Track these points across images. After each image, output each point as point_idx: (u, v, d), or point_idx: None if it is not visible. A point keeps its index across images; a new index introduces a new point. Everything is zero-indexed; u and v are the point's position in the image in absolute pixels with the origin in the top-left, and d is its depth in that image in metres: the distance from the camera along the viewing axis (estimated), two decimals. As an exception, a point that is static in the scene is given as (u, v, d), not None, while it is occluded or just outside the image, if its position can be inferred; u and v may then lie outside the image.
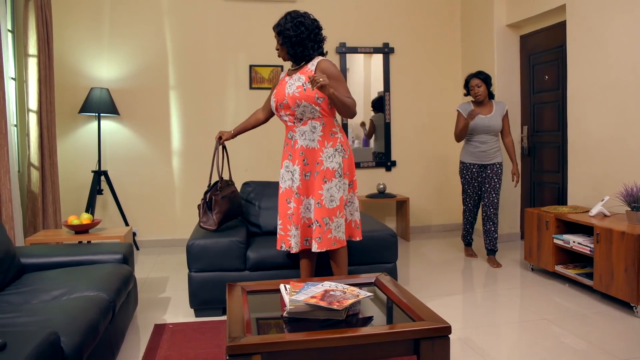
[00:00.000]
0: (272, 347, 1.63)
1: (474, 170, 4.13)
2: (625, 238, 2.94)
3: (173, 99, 5.00)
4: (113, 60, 4.87)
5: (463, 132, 4.02)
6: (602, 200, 3.47)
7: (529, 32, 4.79)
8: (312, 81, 2.41)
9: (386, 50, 5.35)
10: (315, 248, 2.62)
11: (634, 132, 3.44)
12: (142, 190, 4.96)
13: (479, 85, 4.00)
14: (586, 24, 3.83)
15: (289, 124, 2.71)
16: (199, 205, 3.19)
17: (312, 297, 1.91)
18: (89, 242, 3.71)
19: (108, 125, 4.86)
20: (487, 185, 4.09)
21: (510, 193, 4.95)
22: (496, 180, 4.07)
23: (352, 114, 2.63)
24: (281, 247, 2.74)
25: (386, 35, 5.37)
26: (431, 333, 1.73)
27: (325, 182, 2.63)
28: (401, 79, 5.43)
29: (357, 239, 2.81)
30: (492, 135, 4.06)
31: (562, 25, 4.25)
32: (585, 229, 3.56)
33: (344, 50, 5.26)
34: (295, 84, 2.61)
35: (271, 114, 2.96)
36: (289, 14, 2.66)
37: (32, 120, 3.96)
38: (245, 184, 3.67)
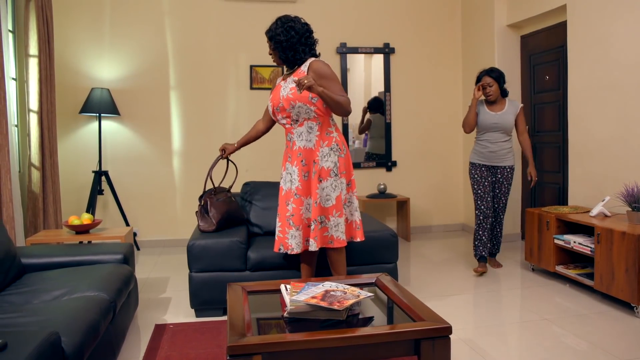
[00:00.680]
0: (272, 347, 1.63)
1: (483, 169, 3.88)
2: (626, 238, 2.94)
3: (173, 99, 5.00)
4: (114, 61, 4.87)
5: (470, 117, 3.78)
6: (602, 201, 3.47)
7: (529, 32, 4.79)
8: (298, 85, 2.44)
9: (387, 51, 5.35)
10: (312, 247, 2.63)
11: (635, 132, 3.44)
12: (143, 191, 4.97)
13: (490, 84, 3.76)
14: (587, 24, 3.83)
15: (287, 126, 2.73)
16: (196, 212, 3.22)
17: (313, 297, 1.91)
18: (89, 242, 3.71)
19: (109, 125, 4.87)
20: (497, 191, 3.90)
21: (510, 193, 4.94)
22: (506, 185, 3.88)
23: (345, 111, 2.63)
24: (279, 249, 2.74)
25: (387, 36, 5.37)
26: (432, 333, 1.73)
27: (321, 181, 2.64)
28: (402, 79, 5.43)
29: (359, 239, 2.80)
30: (503, 134, 3.80)
31: (562, 26, 4.25)
32: (585, 229, 3.56)
33: (344, 51, 5.26)
34: (289, 87, 2.64)
35: (271, 124, 2.99)
36: (279, 19, 2.69)
37: (33, 120, 3.97)
38: (246, 184, 3.67)
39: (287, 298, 2.01)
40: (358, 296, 1.93)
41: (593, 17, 3.76)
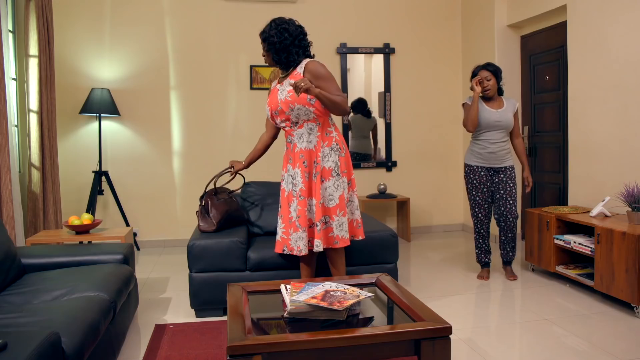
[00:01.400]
0: (272, 347, 1.63)
1: (482, 173, 3.62)
2: (626, 238, 2.94)
3: (174, 99, 5.00)
4: (114, 61, 4.87)
5: (473, 114, 3.49)
6: (602, 201, 3.47)
7: (529, 33, 4.79)
8: (295, 88, 2.44)
9: (387, 51, 5.35)
10: (319, 248, 2.63)
11: (635, 133, 3.44)
12: (143, 191, 4.97)
13: (488, 78, 3.52)
14: (587, 24, 3.83)
15: (287, 129, 2.73)
16: (197, 212, 3.22)
17: (313, 297, 1.91)
18: (89, 242, 3.71)
19: (109, 125, 4.87)
20: (502, 192, 3.59)
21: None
22: (512, 184, 3.58)
23: (343, 111, 2.63)
24: (283, 250, 2.74)
25: (387, 36, 5.37)
26: (432, 333, 1.73)
27: (323, 181, 2.64)
28: (402, 79, 5.43)
29: (360, 237, 2.82)
30: (503, 134, 3.57)
31: (562, 26, 4.25)
32: (586, 230, 3.56)
33: (344, 51, 5.26)
34: (286, 89, 2.63)
35: (275, 131, 2.98)
36: (273, 20, 2.69)
37: (33, 120, 3.97)
38: (247, 185, 3.66)
39: (287, 298, 2.01)
40: (358, 296, 1.93)
41: (593, 18, 3.76)
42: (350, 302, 1.87)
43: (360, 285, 2.27)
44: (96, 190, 4.57)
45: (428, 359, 1.73)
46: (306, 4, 5.11)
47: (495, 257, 4.27)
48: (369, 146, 5.44)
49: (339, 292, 1.97)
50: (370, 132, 5.43)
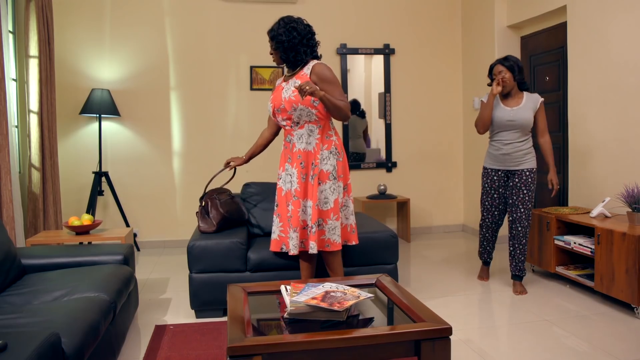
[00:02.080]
0: (272, 348, 1.63)
1: (495, 177, 3.41)
2: (626, 239, 2.94)
3: (174, 99, 5.01)
4: (114, 61, 4.87)
5: (485, 115, 3.30)
6: (602, 202, 3.47)
7: (529, 33, 4.79)
8: (300, 91, 2.44)
9: (387, 51, 5.35)
10: (313, 250, 2.63)
11: (635, 133, 3.44)
12: (143, 191, 4.97)
13: (503, 73, 3.28)
14: (587, 25, 3.83)
15: (287, 127, 2.73)
16: (197, 213, 3.22)
17: (313, 298, 1.91)
18: (89, 243, 3.70)
19: (109, 126, 4.87)
20: (515, 198, 3.35)
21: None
22: (525, 191, 3.32)
23: (344, 116, 2.65)
24: (281, 249, 2.75)
25: (387, 37, 5.37)
26: (432, 334, 1.73)
27: (320, 184, 2.65)
28: (402, 80, 5.43)
29: (353, 243, 2.83)
30: (519, 134, 3.30)
31: (562, 27, 4.25)
32: (586, 230, 3.56)
33: (344, 52, 5.26)
34: (291, 88, 2.63)
35: (277, 129, 2.99)
36: (282, 19, 2.69)
37: (33, 121, 3.97)
38: (246, 185, 3.67)
39: (287, 299, 2.01)
40: (358, 297, 1.93)
41: (593, 18, 3.77)
42: (351, 302, 1.87)
43: (360, 286, 2.27)
44: (96, 191, 4.57)
45: (428, 359, 1.73)
46: (306, 5, 5.12)
47: (496, 260, 4.27)
48: (364, 146, 5.47)
49: (339, 292, 1.97)
50: (363, 132, 5.46)
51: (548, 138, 3.38)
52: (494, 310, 3.13)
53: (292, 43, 2.63)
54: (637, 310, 2.91)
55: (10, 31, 4.07)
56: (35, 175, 3.97)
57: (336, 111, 2.60)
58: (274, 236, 2.81)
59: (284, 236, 2.74)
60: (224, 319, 3.00)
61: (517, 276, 3.47)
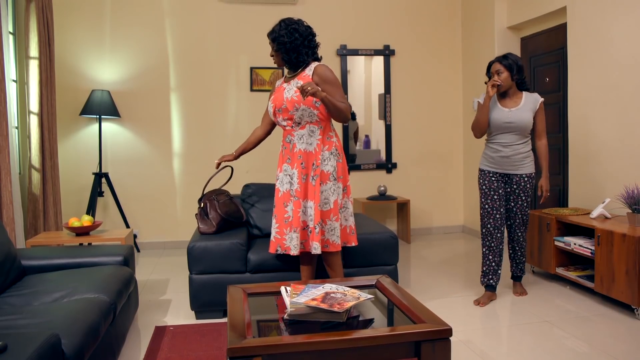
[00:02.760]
0: (272, 349, 1.63)
1: (493, 178, 3.24)
2: (626, 240, 2.94)
3: (174, 101, 5.01)
4: (114, 62, 4.87)
5: (481, 119, 3.16)
6: (603, 202, 3.47)
7: (529, 34, 4.80)
8: (302, 91, 2.44)
9: (387, 53, 5.35)
10: (316, 250, 2.63)
11: (635, 134, 3.44)
12: (143, 192, 4.97)
13: (499, 71, 3.12)
14: (587, 26, 3.83)
15: (287, 128, 2.73)
16: (196, 215, 3.22)
17: (313, 299, 1.91)
18: (89, 244, 3.70)
19: (109, 127, 4.87)
20: (513, 204, 3.26)
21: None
22: (524, 197, 3.23)
23: (345, 118, 2.66)
24: (277, 250, 2.74)
25: (387, 38, 5.38)
26: (432, 335, 1.73)
27: (320, 184, 2.65)
28: (402, 81, 5.43)
29: (353, 244, 2.83)
30: (518, 136, 3.16)
31: (562, 28, 4.26)
32: (586, 231, 3.56)
33: (344, 53, 5.26)
34: (293, 89, 2.63)
35: (270, 127, 2.97)
36: (283, 21, 2.69)
37: (33, 122, 3.97)
38: (246, 186, 3.67)
39: (287, 300, 2.01)
40: (358, 298, 1.93)
41: (593, 19, 3.77)
42: (351, 304, 1.87)
43: (361, 287, 2.27)
44: (96, 192, 4.57)
45: (428, 360, 1.73)
46: (306, 6, 5.12)
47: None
48: (354, 147, 5.47)
49: (339, 294, 1.97)
50: (354, 134, 5.46)
51: (545, 141, 3.25)
52: (494, 311, 3.13)
53: (294, 44, 2.64)
54: (637, 311, 2.91)
55: (10, 32, 4.07)
56: (36, 176, 3.97)
57: (337, 113, 2.61)
58: (271, 237, 2.81)
59: (280, 238, 2.74)
60: (224, 320, 3.00)
61: (518, 277, 3.46)
